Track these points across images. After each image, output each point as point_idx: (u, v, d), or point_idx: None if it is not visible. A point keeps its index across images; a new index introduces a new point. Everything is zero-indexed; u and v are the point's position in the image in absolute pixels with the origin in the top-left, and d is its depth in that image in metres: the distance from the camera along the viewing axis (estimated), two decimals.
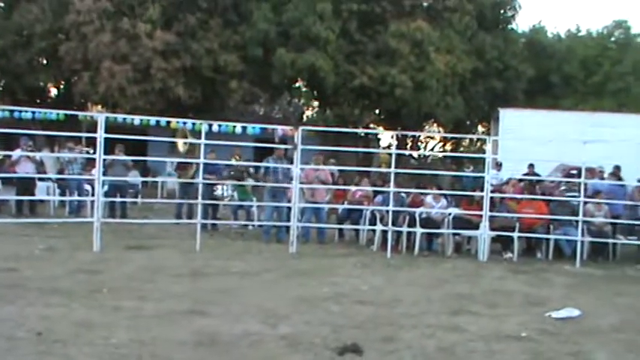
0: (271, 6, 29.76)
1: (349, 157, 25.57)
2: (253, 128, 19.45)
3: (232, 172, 17.45)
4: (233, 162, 17.50)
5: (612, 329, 8.54)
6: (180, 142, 17.97)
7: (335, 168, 18.92)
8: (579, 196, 14.40)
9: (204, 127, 14.64)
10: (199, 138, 14.41)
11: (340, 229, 16.46)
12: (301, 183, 14.99)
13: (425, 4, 31.99)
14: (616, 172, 16.64)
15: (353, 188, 16.90)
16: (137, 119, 19.59)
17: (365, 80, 29.40)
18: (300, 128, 14.85)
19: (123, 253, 12.76)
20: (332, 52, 29.37)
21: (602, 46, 36.84)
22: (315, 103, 36.87)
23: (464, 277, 11.89)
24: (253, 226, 17.09)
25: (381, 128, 34.75)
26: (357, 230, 16.10)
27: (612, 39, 37.62)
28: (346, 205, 16.34)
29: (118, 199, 17.58)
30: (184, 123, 18.40)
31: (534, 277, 12.34)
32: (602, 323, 8.81)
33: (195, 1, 28.75)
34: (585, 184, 14.74)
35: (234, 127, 21.14)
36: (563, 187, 16.71)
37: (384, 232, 14.55)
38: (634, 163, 17.04)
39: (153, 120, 18.72)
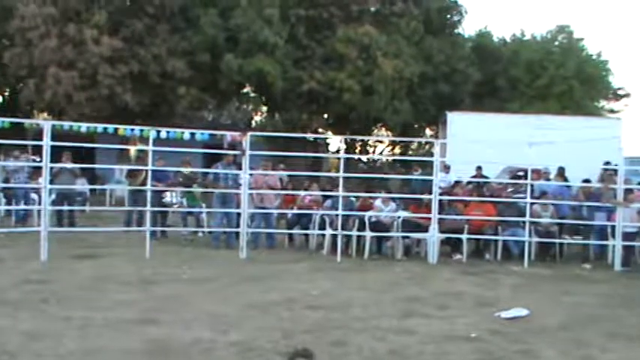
0: (219, 11, 29.65)
1: (298, 162, 25.56)
2: (202, 134, 19.30)
3: (181, 179, 17.34)
4: (182, 169, 17.35)
5: (560, 327, 8.71)
6: (133, 149, 17.82)
7: (284, 173, 18.95)
8: (526, 198, 14.61)
9: (153, 134, 14.55)
10: (148, 145, 14.32)
11: (290, 234, 16.45)
12: (250, 188, 15.00)
13: (372, 9, 32.10)
14: (561, 173, 16.88)
15: (302, 193, 16.92)
16: (84, 126, 19.30)
17: (313, 85, 29.44)
18: (249, 134, 14.83)
19: (71, 262, 12.62)
20: (280, 57, 29.36)
21: (547, 50, 37.37)
22: (264, 109, 36.83)
23: (414, 280, 11.98)
24: (203, 232, 17.00)
25: (329, 133, 34.79)
26: (306, 235, 16.11)
27: (556, 43, 38.19)
28: (296, 210, 16.34)
29: (66, 208, 17.37)
30: (132, 130, 18.24)
31: (483, 278, 12.48)
32: (549, 322, 8.98)
33: (142, 7, 28.51)
34: (532, 186, 14.96)
35: (183, 133, 20.98)
36: (510, 189, 16.91)
37: (334, 237, 14.60)
38: (578, 164, 17.28)
39: (100, 127, 18.47)
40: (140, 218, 16.46)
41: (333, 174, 16.04)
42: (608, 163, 16.50)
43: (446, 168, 19.06)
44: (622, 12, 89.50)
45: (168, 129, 19.93)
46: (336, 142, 36.84)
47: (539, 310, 9.59)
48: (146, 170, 14.85)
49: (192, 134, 18.56)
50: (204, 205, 17.04)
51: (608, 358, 7.43)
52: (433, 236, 14.28)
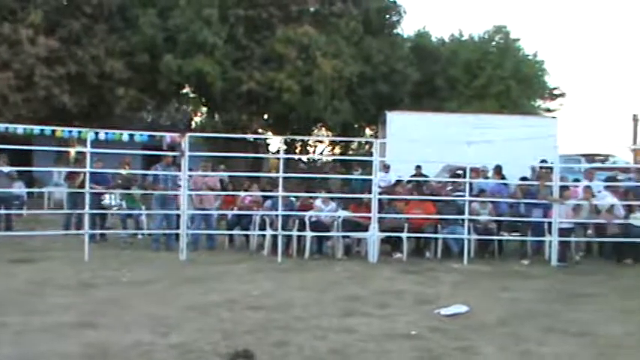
0: (157, 11, 29.44)
1: (239, 163, 25.51)
2: (141, 135, 19.24)
3: (120, 181, 17.16)
4: (121, 170, 17.18)
5: (498, 323, 8.83)
6: (71, 151, 17.58)
7: (224, 174, 18.86)
8: (465, 196, 14.78)
9: (91, 135, 14.37)
10: (86, 146, 14.13)
11: (230, 235, 16.38)
12: (190, 190, 14.91)
13: (311, 9, 32.10)
14: (499, 172, 17.07)
15: (242, 194, 16.87)
16: (20, 128, 19.03)
17: (253, 85, 29.36)
18: (188, 135, 14.75)
19: (8, 266, 12.43)
20: (219, 57, 29.22)
21: (484, 50, 37.81)
22: (204, 109, 36.60)
23: (354, 279, 12.03)
24: (143, 234, 16.88)
25: (269, 133, 34.75)
26: (247, 236, 16.06)
27: (493, 44, 38.65)
28: (236, 211, 16.29)
29: (3, 211, 17.05)
30: (70, 131, 18.00)
31: (423, 276, 12.59)
32: (488, 318, 9.10)
33: (79, 7, 28.15)
34: (470, 184, 15.13)
35: (122, 134, 20.86)
36: (449, 187, 17.06)
37: (274, 237, 14.59)
38: (516, 162, 17.52)
39: (37, 129, 18.26)
40: (79, 221, 16.22)
41: (273, 174, 16.02)
42: (544, 161, 16.74)
43: (385, 167, 19.16)
44: (557, 13, 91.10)
45: (107, 130, 19.79)
46: (276, 142, 36.88)
47: (479, 307, 9.72)
48: (84, 172, 14.65)
49: (131, 135, 18.48)
50: (143, 207, 16.89)
51: (545, 352, 7.54)
52: (373, 235, 14.36)
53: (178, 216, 14.61)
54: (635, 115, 48.87)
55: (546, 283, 12.17)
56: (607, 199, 15.13)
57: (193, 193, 15.41)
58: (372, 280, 12.03)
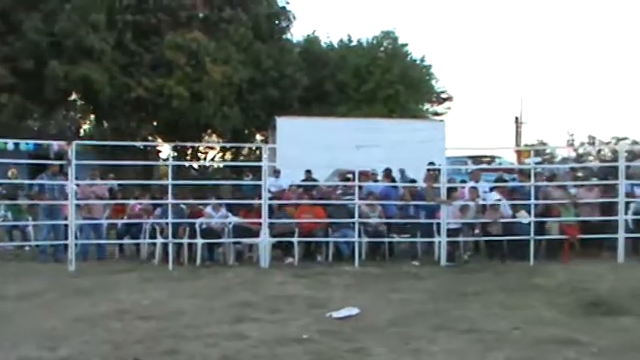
0: (42, 16, 28.71)
1: (129, 171, 25.14)
2: (27, 144, 18.74)
3: (5, 191, 16.70)
4: (6, 180, 16.73)
5: (389, 324, 8.92)
6: None
7: (114, 182, 18.57)
8: (355, 199, 14.93)
9: None
10: None
11: (120, 245, 16.16)
12: (77, 199, 14.62)
13: (201, 15, 31.97)
14: (388, 174, 17.30)
15: (132, 202, 16.65)
16: None
17: (141, 92, 29.03)
18: (74, 143, 14.45)
19: None
20: (107, 63, 28.78)
21: (373, 55, 38.26)
22: (92, 117, 35.93)
23: (246, 285, 11.97)
24: (30, 246, 16.45)
25: (159, 140, 34.37)
26: (137, 245, 15.86)
27: (381, 48, 39.16)
28: (126, 220, 16.06)
29: None
30: None
31: (315, 280, 12.60)
32: (380, 319, 9.18)
33: None
34: (360, 187, 15.30)
35: (6, 143, 20.30)
36: (340, 191, 17.19)
37: (165, 245, 14.46)
38: (404, 165, 17.77)
39: None
40: None
41: (163, 182, 15.87)
42: (432, 163, 17.03)
43: (276, 172, 19.19)
44: (444, 18, 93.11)
45: None
46: (167, 149, 36.49)
47: (370, 309, 9.80)
48: None
49: (17, 144, 17.97)
50: (30, 217, 16.47)
51: (435, 350, 7.65)
52: (264, 241, 14.38)
53: (66, 226, 14.29)
54: (517, 118, 50.50)
55: (436, 282, 12.36)
56: (495, 198, 15.49)
57: (81, 202, 15.12)
58: (264, 285, 12.00)
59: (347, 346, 7.79)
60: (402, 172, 17.47)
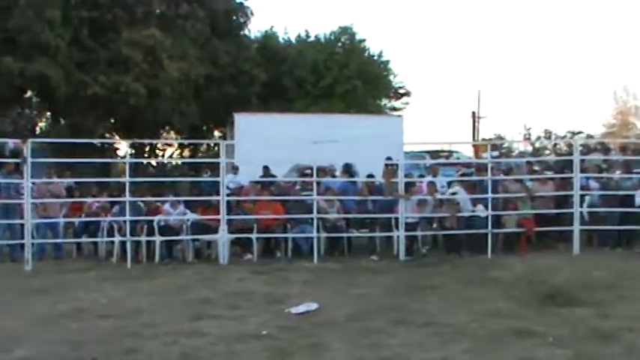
0: None
1: (86, 169, 24.88)
2: None
3: None
4: None
5: (348, 318, 8.99)
6: None
7: (70, 180, 18.37)
8: (313, 195, 14.96)
9: None
10: None
11: (78, 243, 16.01)
12: (34, 198, 14.47)
13: (157, 11, 31.72)
14: (347, 170, 17.34)
15: (89, 200, 16.51)
16: None
17: (98, 89, 28.72)
18: (30, 140, 14.30)
19: None
20: (63, 60, 28.41)
21: (330, 50, 38.37)
22: (48, 114, 35.51)
23: (205, 282, 11.96)
24: None
25: (117, 137, 34.10)
26: (95, 243, 15.73)
27: (339, 44, 39.24)
28: (83, 218, 15.93)
29: None
30: None
31: (274, 276, 12.63)
32: (338, 314, 9.23)
33: None
34: (319, 183, 15.33)
35: None
36: (298, 187, 17.20)
37: (123, 243, 14.37)
38: (363, 160, 17.81)
39: None
40: None
41: (121, 179, 15.76)
42: (390, 158, 17.09)
43: (234, 169, 19.13)
44: (402, 13, 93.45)
45: None
46: (125, 146, 36.19)
47: (329, 304, 9.85)
48: None
49: None
50: None
51: (394, 344, 7.73)
52: (223, 237, 14.36)
53: (22, 225, 14.14)
54: (474, 112, 50.87)
55: (394, 277, 12.45)
56: (457, 193, 15.59)
57: (38, 201, 14.96)
58: (223, 282, 11.99)
59: (306, 341, 7.84)
60: (349, 166, 17.48)
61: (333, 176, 17.17)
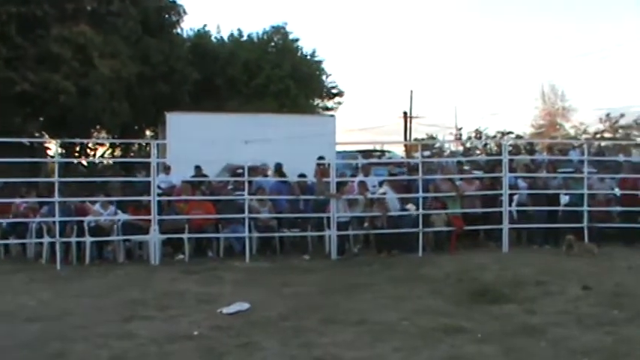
0: None
1: (14, 169, 24.42)
2: None
3: None
4: None
5: (280, 318, 9.07)
6: None
7: None
8: (245, 195, 14.96)
9: None
10: None
11: (6, 245, 15.68)
12: None
13: (88, 8, 31.23)
14: (279, 170, 17.38)
15: (18, 200, 16.22)
16: None
17: (26, 87, 28.10)
18: None
19: None
20: None
21: (263, 50, 38.35)
22: None
23: (136, 283, 11.89)
24: None
25: (47, 136, 33.52)
26: (23, 244, 15.47)
27: (272, 43, 39.25)
28: (11, 219, 15.65)
29: None
30: None
31: (206, 276, 12.62)
32: (270, 313, 9.31)
33: None
34: (250, 182, 15.34)
35: None
36: (231, 187, 17.16)
37: (53, 244, 14.17)
38: (295, 159, 17.85)
39: None
40: None
41: (50, 179, 15.50)
42: (322, 157, 17.18)
43: (166, 169, 19.03)
44: (336, 13, 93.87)
45: None
46: (55, 146, 35.60)
47: (261, 303, 9.92)
48: None
49: None
50: None
51: (325, 342, 7.83)
52: (154, 237, 14.27)
53: None
54: (405, 112, 51.37)
55: (326, 276, 12.57)
56: (387, 192, 15.72)
57: None
58: (154, 282, 11.94)
59: (238, 341, 7.89)
60: (280, 166, 17.54)
61: (266, 176, 17.18)
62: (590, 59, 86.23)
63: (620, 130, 50.16)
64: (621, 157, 20.43)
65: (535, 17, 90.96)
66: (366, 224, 15.62)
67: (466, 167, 19.41)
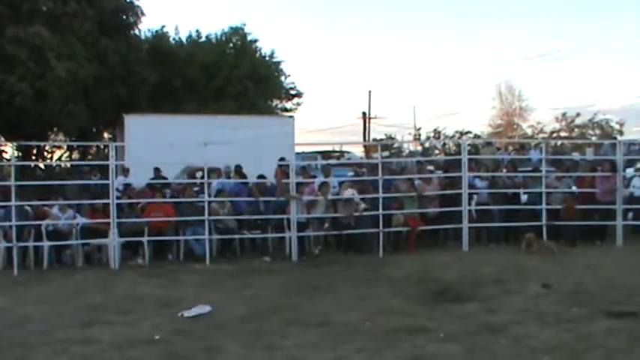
0: None
1: None
2: None
3: None
4: None
5: (242, 320, 9.05)
6: None
7: None
8: (205, 197, 14.90)
9: None
10: None
11: None
12: None
13: (44, 8, 30.88)
14: (239, 171, 17.34)
15: None
16: None
17: None
18: None
19: None
20: None
21: (221, 51, 38.18)
22: None
23: (96, 287, 11.80)
24: None
25: (2, 139, 33.09)
26: None
27: (231, 45, 39.11)
28: None
29: None
30: None
31: (166, 279, 12.58)
32: (232, 316, 9.29)
33: None
34: (209, 184, 15.28)
35: None
36: (196, 189, 17.03)
37: (9, 249, 13.98)
38: (255, 161, 17.83)
39: None
40: None
41: (6, 183, 15.25)
42: (282, 159, 17.16)
43: (125, 171, 18.89)
44: (293, 14, 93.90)
45: None
46: (11, 148, 35.16)
47: (222, 306, 9.89)
48: None
49: None
50: None
51: (288, 345, 7.82)
52: (113, 241, 14.15)
53: None
54: (364, 113, 51.54)
55: (287, 277, 12.56)
56: (347, 192, 15.74)
57: None
58: (114, 286, 11.85)
59: (199, 344, 7.85)
60: (240, 167, 17.51)
61: (228, 177, 17.12)
62: (546, 60, 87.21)
63: (575, 130, 50.92)
64: (577, 156, 20.72)
65: (492, 18, 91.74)
66: (326, 225, 15.63)
67: (430, 167, 19.55)
